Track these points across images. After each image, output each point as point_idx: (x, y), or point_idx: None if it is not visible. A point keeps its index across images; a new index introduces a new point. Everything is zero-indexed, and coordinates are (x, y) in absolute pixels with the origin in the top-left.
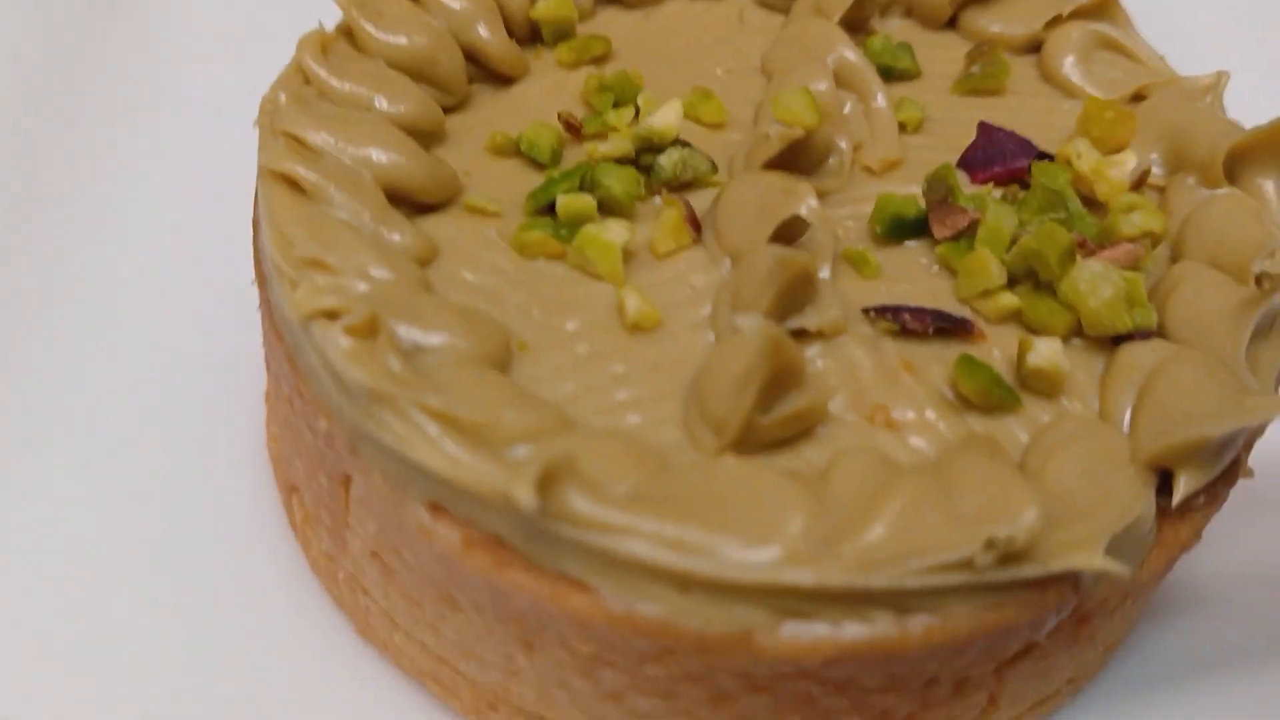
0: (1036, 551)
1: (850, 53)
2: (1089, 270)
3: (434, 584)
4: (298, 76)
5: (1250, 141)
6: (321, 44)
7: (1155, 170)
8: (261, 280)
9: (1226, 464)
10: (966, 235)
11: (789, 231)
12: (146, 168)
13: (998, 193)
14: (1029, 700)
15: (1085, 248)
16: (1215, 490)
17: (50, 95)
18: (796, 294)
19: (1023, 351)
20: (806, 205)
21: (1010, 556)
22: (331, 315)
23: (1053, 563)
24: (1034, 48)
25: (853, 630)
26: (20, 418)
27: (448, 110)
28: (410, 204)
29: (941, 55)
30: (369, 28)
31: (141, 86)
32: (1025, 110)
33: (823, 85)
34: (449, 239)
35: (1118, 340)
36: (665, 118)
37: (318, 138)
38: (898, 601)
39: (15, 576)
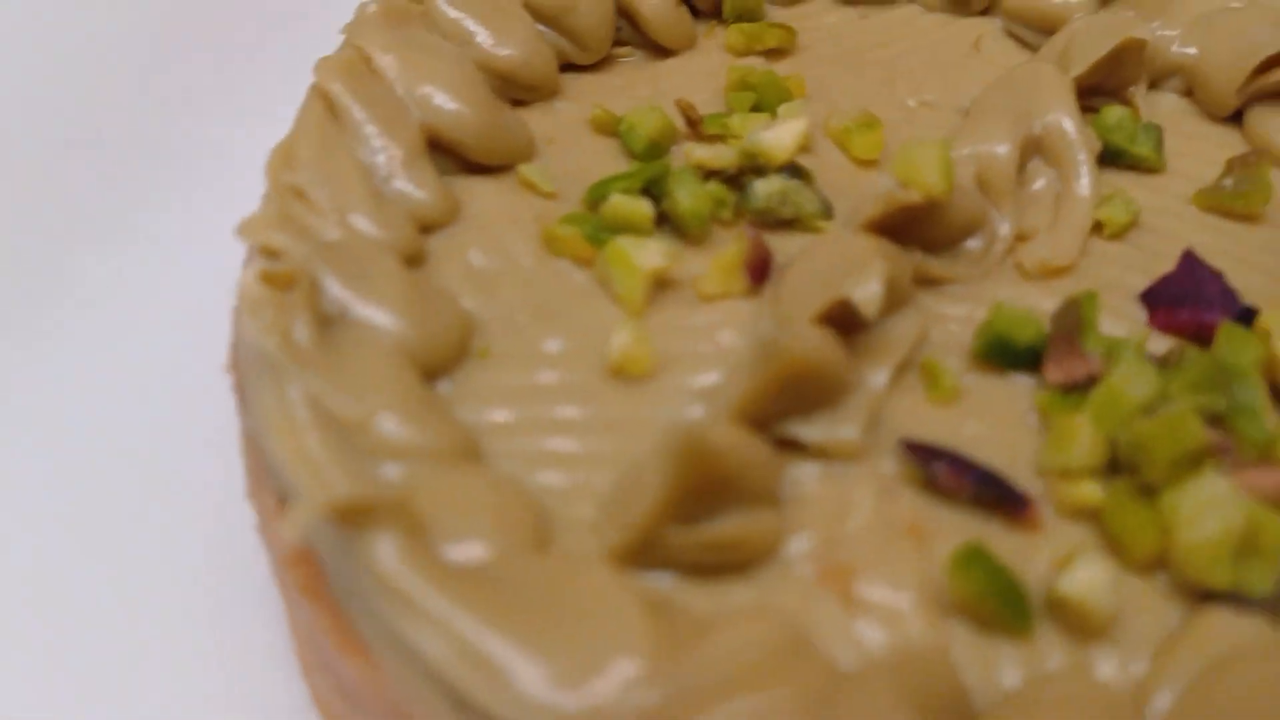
0: None
1: (1067, 119)
2: (1207, 490)
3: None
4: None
5: None
6: None
7: None
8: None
9: None
10: (1083, 389)
11: (845, 316)
12: None
13: (1161, 346)
14: None
15: (1227, 457)
16: None
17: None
18: (803, 394)
19: (1059, 566)
20: (867, 289)
21: None
22: (271, 255)
23: None
24: None
25: None
26: None
27: (583, 69)
28: (462, 160)
29: (1206, 154)
30: None
31: None
32: (1271, 249)
33: (1002, 149)
34: (481, 208)
35: (1210, 595)
36: (780, 137)
37: (385, 60)
38: None
39: None
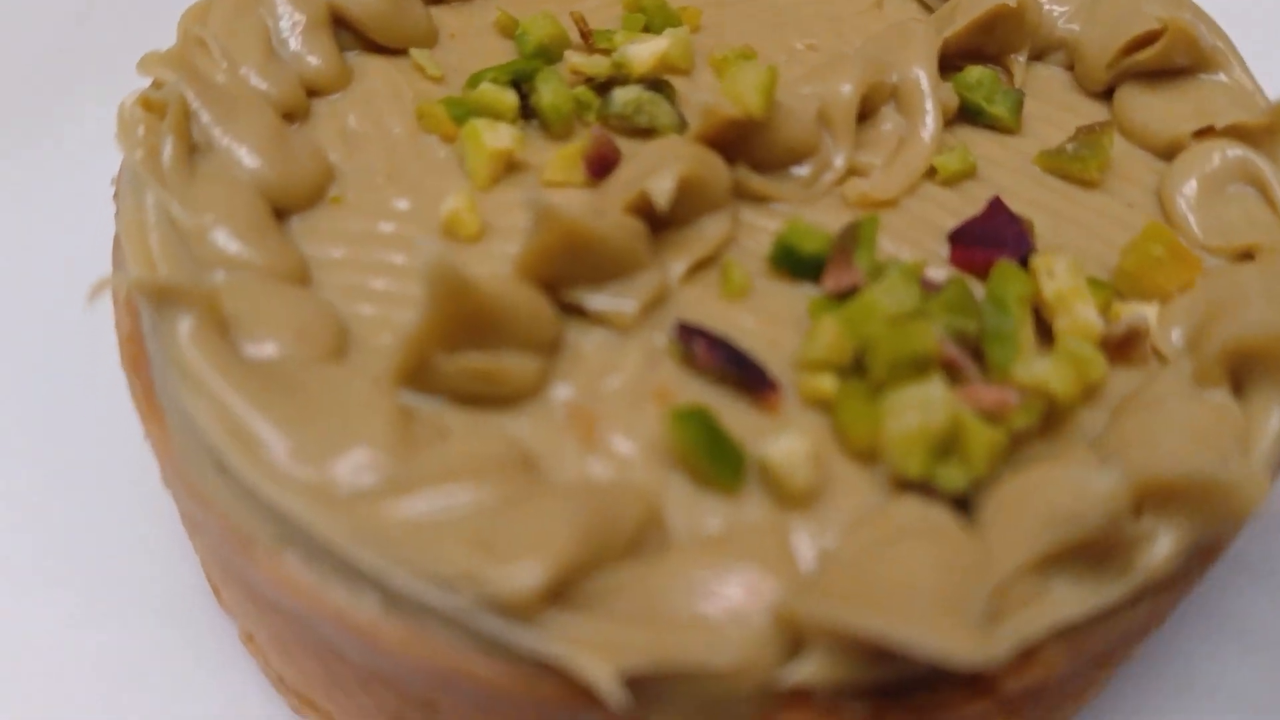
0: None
1: (923, 72)
2: (921, 393)
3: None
4: None
5: (1256, 345)
6: None
7: (1168, 340)
8: None
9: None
10: (849, 297)
11: (650, 209)
12: None
13: (940, 273)
14: None
15: (955, 372)
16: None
17: None
18: (594, 265)
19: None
20: (660, 183)
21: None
22: (157, 87)
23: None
24: (1174, 153)
25: (334, 594)
26: None
27: None
28: (363, 38)
29: (1069, 124)
30: None
31: None
32: (1096, 211)
33: (846, 88)
34: (370, 82)
35: (910, 485)
36: (641, 51)
37: None
38: (374, 583)
39: None
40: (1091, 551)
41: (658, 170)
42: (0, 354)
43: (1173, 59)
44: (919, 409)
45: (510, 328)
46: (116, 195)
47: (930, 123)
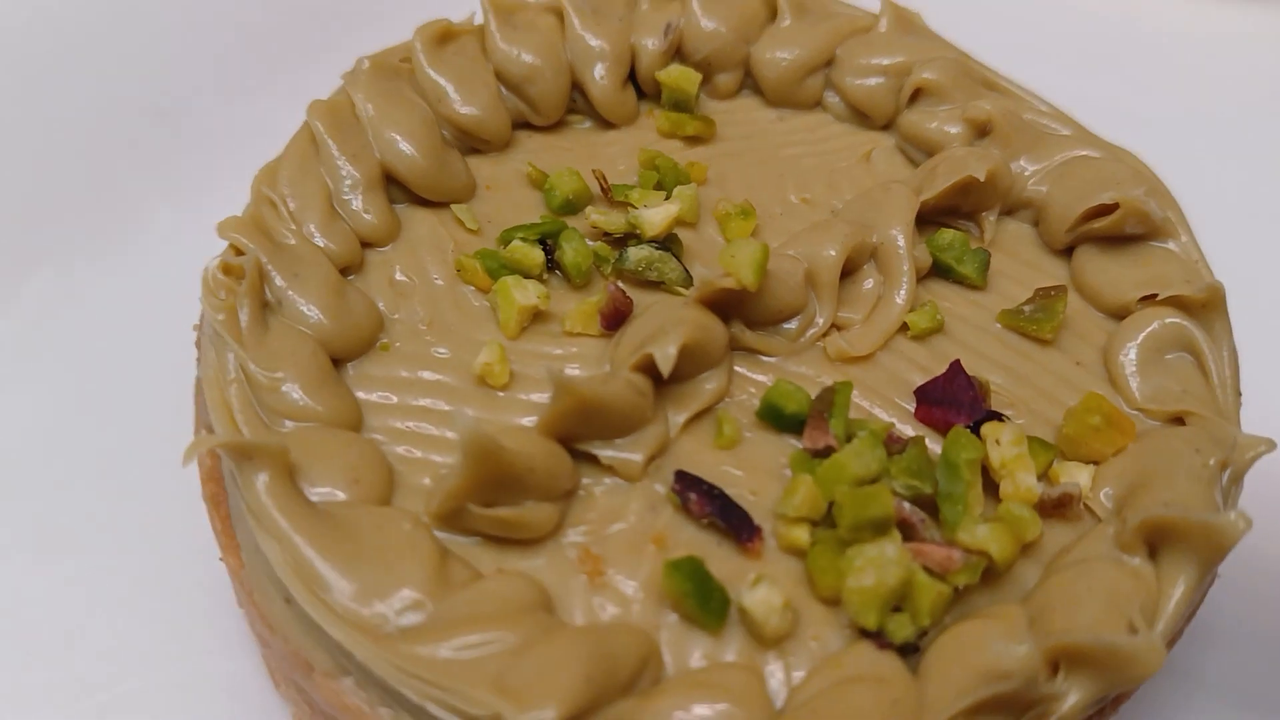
0: None
1: (901, 235)
2: (879, 551)
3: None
4: (396, 51)
5: (1168, 523)
6: (441, 32)
7: (1100, 501)
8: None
9: None
10: (824, 456)
11: (654, 368)
12: None
13: (907, 429)
14: None
15: (909, 529)
16: None
17: None
18: (606, 422)
19: (751, 585)
20: (665, 350)
21: None
22: (236, 250)
23: None
24: (1123, 315)
25: (383, 714)
26: None
27: (538, 129)
28: (411, 193)
29: (1032, 280)
30: (494, 29)
31: None
32: (1049, 372)
33: (830, 251)
34: (416, 234)
35: (866, 633)
36: (653, 216)
37: (364, 107)
38: (415, 710)
39: None
40: (1013, 704)
41: (663, 336)
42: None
43: (1125, 228)
44: (875, 568)
45: (533, 481)
46: (198, 343)
47: (905, 284)
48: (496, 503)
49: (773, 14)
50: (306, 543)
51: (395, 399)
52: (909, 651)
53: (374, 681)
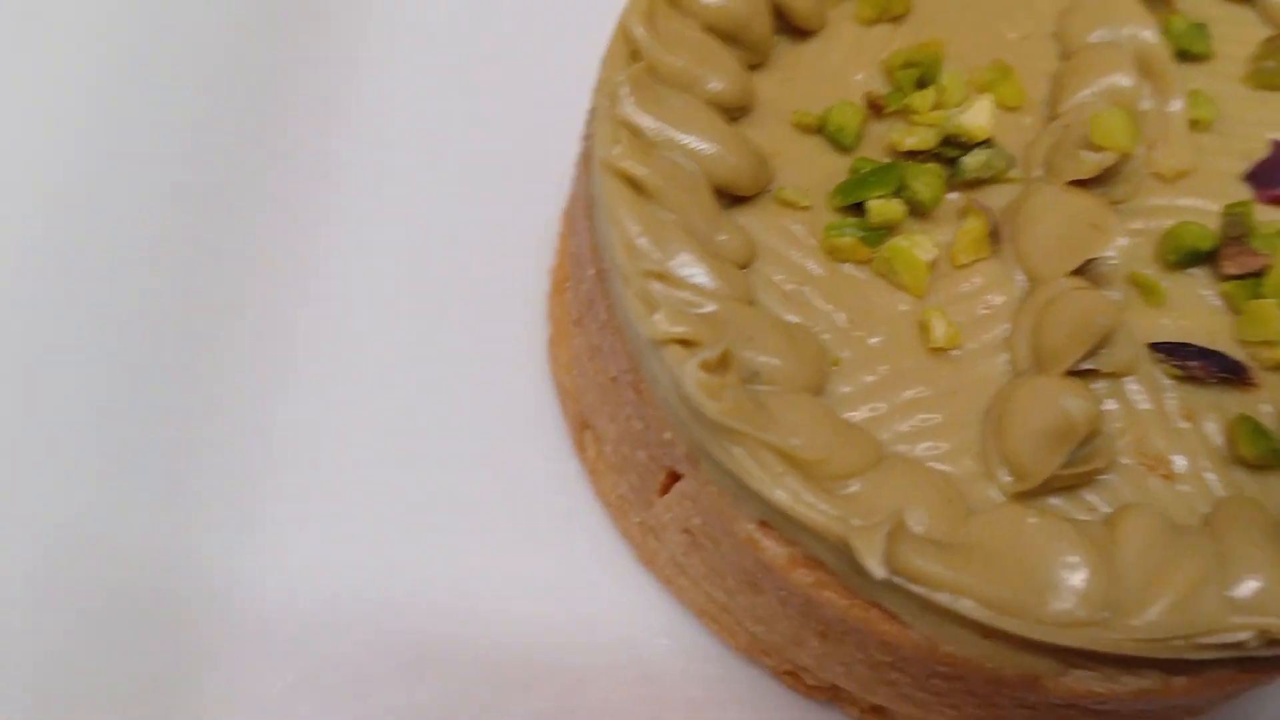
0: None
1: (1151, 35)
2: None
3: (744, 572)
4: (625, 49)
5: None
6: (649, 10)
7: None
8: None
9: None
10: (1255, 276)
11: (1089, 266)
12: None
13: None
14: None
15: None
16: None
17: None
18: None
19: None
20: (1116, 245)
21: (1275, 640)
22: (684, 343)
23: None
24: None
25: (1127, 681)
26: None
27: (752, 68)
28: (728, 196)
29: (1235, 34)
30: None
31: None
32: None
33: (1126, 81)
34: (762, 235)
35: None
36: (976, 118)
37: (651, 126)
38: (1170, 665)
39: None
40: None
41: (1094, 232)
42: None
43: None
44: None
45: (1100, 427)
46: (690, 449)
47: (1178, 87)
48: (1072, 456)
49: None
50: (976, 579)
51: (885, 406)
52: None
53: None
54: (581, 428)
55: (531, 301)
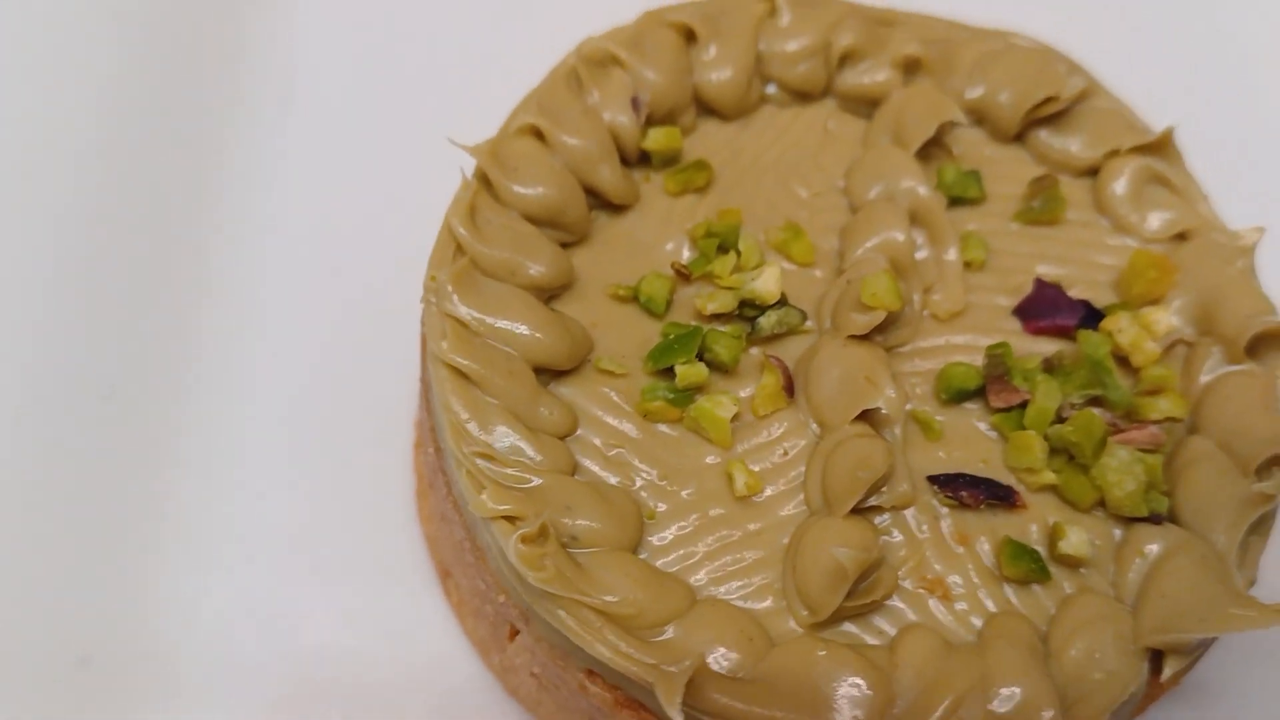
0: None
1: (924, 190)
2: (1118, 459)
3: (583, 712)
4: (450, 244)
5: (1275, 330)
6: (470, 209)
7: (1185, 328)
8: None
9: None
10: (1018, 408)
11: (869, 413)
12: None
13: (1036, 348)
14: None
15: (1115, 429)
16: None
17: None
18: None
19: (1055, 538)
20: (885, 396)
21: None
22: (508, 519)
23: None
24: (1092, 172)
25: None
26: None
27: (570, 245)
28: (550, 371)
29: (1009, 173)
30: (506, 182)
31: None
32: (1078, 244)
33: (900, 236)
34: (583, 404)
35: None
36: (766, 284)
37: (473, 318)
38: None
39: None
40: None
41: (867, 385)
42: None
43: (1062, 106)
44: (1128, 474)
45: (881, 561)
46: (523, 611)
47: (951, 232)
48: (858, 587)
49: (692, 41)
50: (777, 708)
51: (697, 551)
52: (1166, 519)
53: None
54: (445, 574)
55: (402, 452)
